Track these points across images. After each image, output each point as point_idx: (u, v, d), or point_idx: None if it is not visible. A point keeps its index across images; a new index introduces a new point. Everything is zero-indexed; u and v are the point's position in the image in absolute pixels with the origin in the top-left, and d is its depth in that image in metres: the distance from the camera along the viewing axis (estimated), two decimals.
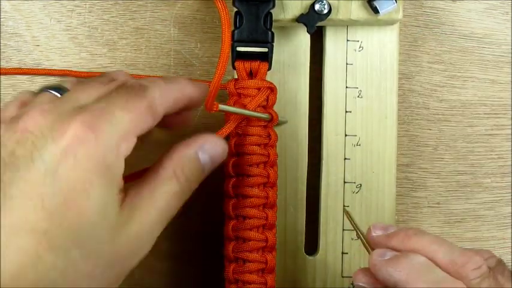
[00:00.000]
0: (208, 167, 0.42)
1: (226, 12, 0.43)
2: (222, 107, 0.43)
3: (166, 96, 0.39)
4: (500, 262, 0.43)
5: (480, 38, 0.54)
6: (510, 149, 0.54)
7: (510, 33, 0.54)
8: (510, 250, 0.55)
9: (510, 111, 0.54)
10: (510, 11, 0.54)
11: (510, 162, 0.54)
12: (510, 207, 0.55)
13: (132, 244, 0.37)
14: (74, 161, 0.34)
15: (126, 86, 0.39)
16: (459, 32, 0.54)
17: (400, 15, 0.48)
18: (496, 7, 0.54)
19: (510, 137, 0.54)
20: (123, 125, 0.36)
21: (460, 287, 0.38)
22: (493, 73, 0.54)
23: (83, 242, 0.35)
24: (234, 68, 0.46)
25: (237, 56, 0.46)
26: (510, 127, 0.54)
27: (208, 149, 0.42)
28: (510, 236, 0.55)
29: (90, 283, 0.35)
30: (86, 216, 0.34)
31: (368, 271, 0.41)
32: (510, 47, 0.54)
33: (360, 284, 0.41)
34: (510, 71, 0.54)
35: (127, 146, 0.37)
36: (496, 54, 0.54)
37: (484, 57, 0.54)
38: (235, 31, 0.45)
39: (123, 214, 0.36)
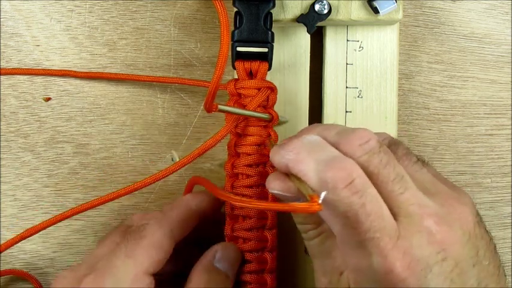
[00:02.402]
0: (231, 272, 0.44)
1: (225, 14, 0.43)
2: (221, 107, 0.43)
3: (167, 226, 0.42)
4: (395, 141, 0.41)
5: (480, 38, 0.54)
6: (510, 149, 0.54)
7: (510, 33, 0.54)
8: (510, 250, 0.55)
9: (510, 111, 0.54)
10: (510, 11, 0.54)
11: (510, 162, 0.54)
12: (510, 207, 0.54)
13: None
14: None
15: (128, 233, 0.42)
16: (459, 32, 0.54)
17: (400, 15, 0.48)
18: (496, 7, 0.54)
19: (510, 137, 0.54)
20: (128, 273, 0.39)
21: (350, 164, 0.36)
22: (493, 73, 0.54)
23: None
24: (234, 68, 0.46)
25: (237, 56, 0.46)
26: (510, 127, 0.54)
27: (222, 257, 0.44)
28: (510, 236, 0.55)
29: None
30: None
31: (279, 174, 0.39)
32: (510, 47, 0.54)
33: (274, 191, 0.39)
34: (510, 71, 0.54)
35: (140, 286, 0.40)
36: (496, 54, 0.54)
37: (484, 57, 0.54)
38: (235, 31, 0.45)
39: None
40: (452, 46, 0.54)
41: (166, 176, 0.44)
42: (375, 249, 0.35)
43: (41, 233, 0.52)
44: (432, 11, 0.54)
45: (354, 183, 0.35)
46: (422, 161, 0.41)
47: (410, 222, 0.36)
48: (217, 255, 0.44)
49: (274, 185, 0.38)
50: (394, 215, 0.37)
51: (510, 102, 0.54)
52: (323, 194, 0.35)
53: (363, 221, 0.35)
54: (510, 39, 0.54)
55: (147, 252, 0.41)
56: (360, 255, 0.36)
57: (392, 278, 0.35)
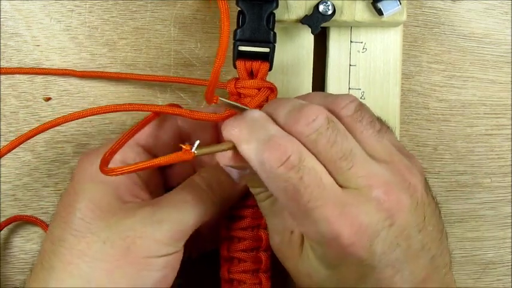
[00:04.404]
0: (234, 174, 0.44)
1: (225, 3, 0.42)
2: (222, 99, 0.43)
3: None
4: (361, 107, 0.41)
5: (480, 38, 0.54)
6: (510, 149, 0.55)
7: (510, 33, 0.54)
8: (510, 250, 0.55)
9: (510, 111, 0.55)
10: (510, 11, 0.54)
11: (510, 162, 0.55)
12: (510, 207, 0.55)
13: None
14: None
15: None
16: (459, 32, 0.54)
17: (404, 17, 0.48)
18: (495, 7, 0.54)
19: (510, 137, 0.55)
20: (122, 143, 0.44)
21: (285, 141, 0.37)
22: (493, 73, 0.54)
23: None
24: (235, 67, 0.46)
25: (239, 55, 0.46)
26: (510, 127, 0.55)
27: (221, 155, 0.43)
28: (510, 236, 0.55)
29: None
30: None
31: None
32: (510, 47, 0.54)
33: (226, 168, 0.40)
34: (510, 71, 0.54)
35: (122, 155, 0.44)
36: (495, 54, 0.54)
37: (483, 57, 0.54)
38: (238, 30, 0.45)
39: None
40: (452, 46, 0.54)
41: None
42: (320, 216, 0.37)
43: (40, 232, 0.52)
44: (432, 11, 0.54)
45: (289, 160, 0.37)
46: (385, 128, 0.42)
47: (359, 193, 0.38)
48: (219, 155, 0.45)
49: (224, 161, 0.40)
50: (344, 187, 0.38)
51: (510, 102, 0.55)
52: (196, 143, 0.37)
53: (302, 192, 0.37)
54: (510, 39, 0.54)
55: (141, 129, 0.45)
56: (307, 222, 0.38)
57: (340, 242, 0.37)
